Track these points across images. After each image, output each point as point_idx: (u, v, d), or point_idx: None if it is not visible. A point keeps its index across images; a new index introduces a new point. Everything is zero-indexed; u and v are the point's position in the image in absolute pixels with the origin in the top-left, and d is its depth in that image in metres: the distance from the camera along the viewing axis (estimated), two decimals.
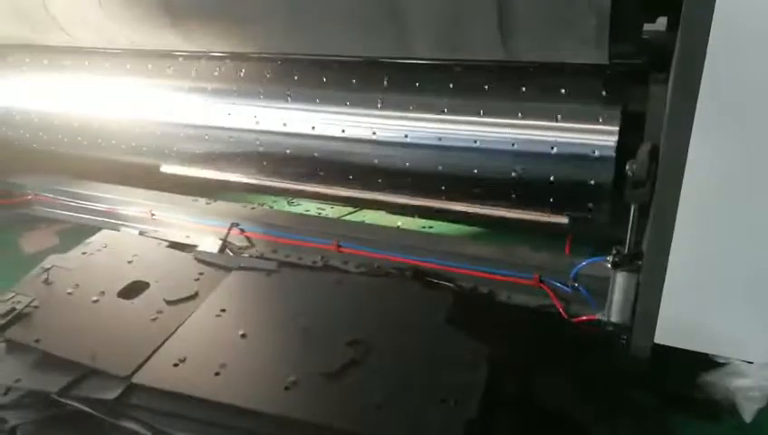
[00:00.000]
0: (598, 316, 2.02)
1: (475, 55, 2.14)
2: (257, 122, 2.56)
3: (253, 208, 2.94)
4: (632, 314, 1.90)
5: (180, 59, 2.79)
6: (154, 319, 2.14)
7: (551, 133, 2.06)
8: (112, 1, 2.42)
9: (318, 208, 3.31)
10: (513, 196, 2.20)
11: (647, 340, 1.83)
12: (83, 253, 2.62)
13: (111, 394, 1.82)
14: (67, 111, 3.09)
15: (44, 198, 3.34)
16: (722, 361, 1.87)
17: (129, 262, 2.52)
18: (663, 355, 1.84)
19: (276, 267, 2.42)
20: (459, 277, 2.38)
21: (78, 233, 3.01)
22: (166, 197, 3.04)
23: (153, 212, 2.97)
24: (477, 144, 2.16)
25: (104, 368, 1.90)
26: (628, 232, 1.85)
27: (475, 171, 2.20)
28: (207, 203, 2.94)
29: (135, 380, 1.85)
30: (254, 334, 2.04)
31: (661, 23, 2.01)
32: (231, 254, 2.71)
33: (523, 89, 2.10)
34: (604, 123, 1.98)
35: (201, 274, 2.41)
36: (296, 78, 2.50)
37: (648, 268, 1.77)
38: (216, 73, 2.68)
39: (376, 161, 2.38)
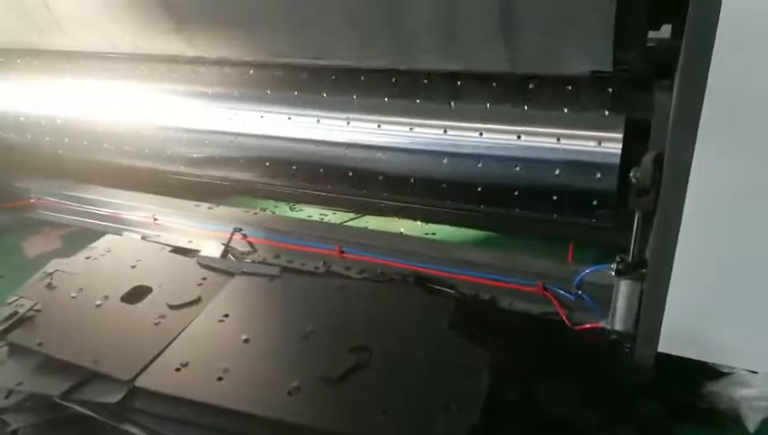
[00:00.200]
0: (601, 324, 2.02)
1: (478, 62, 2.14)
2: (260, 126, 2.57)
3: (255, 214, 2.94)
4: (636, 323, 1.89)
5: (184, 63, 2.80)
6: (157, 323, 2.14)
7: (554, 140, 2.06)
8: (117, 5, 2.43)
9: (320, 214, 3.31)
10: (517, 202, 2.20)
11: (650, 348, 1.82)
12: (87, 257, 2.62)
13: (114, 398, 1.81)
14: (71, 115, 3.10)
15: (48, 201, 3.35)
16: (726, 370, 1.87)
17: (133, 266, 2.52)
18: (667, 364, 1.84)
19: (279, 273, 2.42)
20: (462, 284, 2.37)
21: (81, 237, 3.01)
22: (169, 202, 3.04)
23: (156, 217, 2.98)
24: (481, 151, 2.17)
25: (107, 372, 1.90)
26: (632, 240, 1.85)
27: (479, 178, 2.21)
28: (210, 208, 2.94)
29: (137, 384, 1.85)
30: (257, 339, 2.04)
31: (666, 30, 2.01)
32: (233, 259, 2.72)
33: (527, 96, 2.11)
34: (608, 131, 1.98)
35: (204, 279, 2.41)
36: (300, 84, 2.52)
37: (651, 276, 1.76)
38: (220, 78, 2.69)
39: (379, 167, 2.38)
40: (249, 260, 2.70)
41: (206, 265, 2.51)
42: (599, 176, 2.00)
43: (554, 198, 2.11)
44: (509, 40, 1.90)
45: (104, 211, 3.15)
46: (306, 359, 1.94)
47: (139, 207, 3.04)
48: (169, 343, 2.02)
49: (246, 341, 2.02)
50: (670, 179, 1.59)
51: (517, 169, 2.12)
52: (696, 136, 1.48)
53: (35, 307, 2.24)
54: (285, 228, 2.75)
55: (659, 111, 1.86)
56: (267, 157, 2.63)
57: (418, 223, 3.10)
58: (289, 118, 2.53)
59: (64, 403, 1.84)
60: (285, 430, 1.70)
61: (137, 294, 2.32)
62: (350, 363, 1.87)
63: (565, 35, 1.84)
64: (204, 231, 2.87)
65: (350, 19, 2.07)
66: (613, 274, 1.88)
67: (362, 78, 2.43)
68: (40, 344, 2.04)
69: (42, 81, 3.19)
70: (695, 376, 1.89)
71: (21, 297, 2.30)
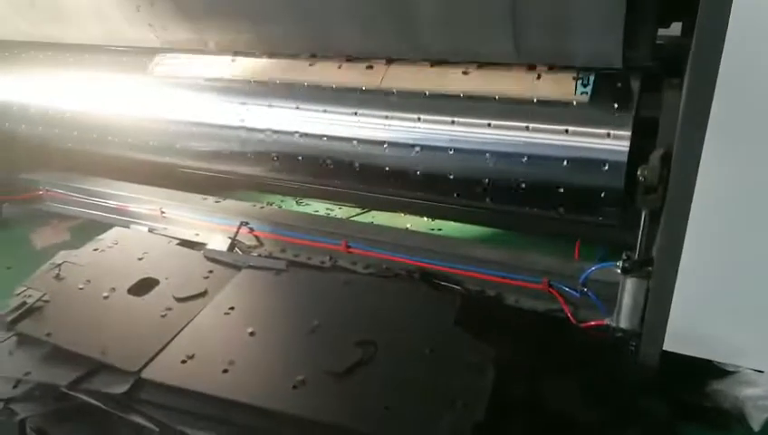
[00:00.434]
0: (606, 322, 2.02)
1: (485, 54, 2.14)
2: (269, 121, 2.58)
3: (262, 208, 2.95)
4: (641, 321, 1.89)
5: (193, 57, 2.81)
6: (163, 316, 2.15)
7: (562, 138, 2.05)
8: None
9: (327, 209, 3.32)
10: (524, 199, 2.19)
11: (656, 347, 1.82)
12: (94, 249, 2.63)
13: (120, 389, 1.83)
14: (80, 108, 3.10)
15: (56, 193, 3.37)
16: (731, 369, 1.86)
17: (140, 259, 2.53)
18: (672, 362, 1.83)
19: (285, 267, 2.42)
20: (468, 280, 2.37)
21: (89, 229, 3.03)
22: (176, 195, 3.05)
23: (163, 210, 2.99)
24: (487, 147, 2.16)
25: (114, 363, 1.91)
26: (639, 238, 1.84)
27: (485, 175, 2.20)
28: (217, 202, 2.95)
29: (144, 375, 1.86)
30: (263, 333, 2.05)
31: (676, 28, 2.00)
32: (240, 252, 2.73)
33: (535, 92, 2.10)
34: (616, 128, 1.97)
35: (210, 272, 2.42)
36: (306, 78, 2.51)
37: (658, 274, 1.76)
38: (229, 72, 2.69)
39: (387, 163, 2.38)
40: (256, 254, 2.71)
41: (213, 258, 2.52)
42: (606, 173, 2.00)
43: (561, 195, 2.10)
44: (518, 33, 1.89)
45: (112, 204, 3.16)
46: (311, 353, 1.95)
47: (146, 200, 3.05)
48: (176, 336, 2.04)
49: (252, 334, 2.03)
50: (678, 178, 1.59)
51: (524, 165, 2.11)
52: (704, 134, 1.47)
53: (44, 298, 2.26)
54: (292, 223, 2.75)
55: (668, 108, 1.85)
56: (276, 151, 2.62)
57: (425, 219, 3.10)
58: (297, 108, 2.51)
59: (72, 393, 1.86)
60: (290, 423, 1.70)
61: (144, 287, 2.33)
62: (355, 358, 1.87)
63: (575, 31, 1.83)
64: (211, 224, 2.88)
65: (355, 11, 2.07)
66: (619, 271, 1.88)
67: (369, 70, 2.41)
68: (48, 335, 2.06)
69: (50, 73, 3.20)
70: (700, 375, 1.89)
71: (29, 288, 2.31)
